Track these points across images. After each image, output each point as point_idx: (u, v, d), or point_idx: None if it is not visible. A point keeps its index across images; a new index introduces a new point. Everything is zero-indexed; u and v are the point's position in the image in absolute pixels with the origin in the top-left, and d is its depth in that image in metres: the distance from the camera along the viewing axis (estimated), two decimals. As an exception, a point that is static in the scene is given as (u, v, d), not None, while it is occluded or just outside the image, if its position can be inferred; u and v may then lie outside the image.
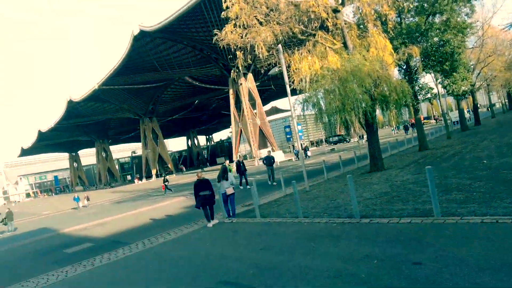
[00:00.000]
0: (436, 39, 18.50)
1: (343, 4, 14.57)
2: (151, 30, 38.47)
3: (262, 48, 13.30)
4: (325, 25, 14.60)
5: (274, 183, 17.03)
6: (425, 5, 17.59)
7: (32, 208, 45.65)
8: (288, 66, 14.01)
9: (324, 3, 13.89)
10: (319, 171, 18.00)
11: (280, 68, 13.88)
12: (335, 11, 14.31)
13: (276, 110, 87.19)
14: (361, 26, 16.12)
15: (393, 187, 10.11)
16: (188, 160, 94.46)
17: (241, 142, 54.34)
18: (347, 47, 14.22)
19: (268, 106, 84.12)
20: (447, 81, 21.92)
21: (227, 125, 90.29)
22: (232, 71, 28.30)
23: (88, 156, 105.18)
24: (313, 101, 13.19)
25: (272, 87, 45.82)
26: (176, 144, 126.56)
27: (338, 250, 5.51)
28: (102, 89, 51.16)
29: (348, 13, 16.99)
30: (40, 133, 74.14)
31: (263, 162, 18.63)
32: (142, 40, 40.59)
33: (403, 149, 23.54)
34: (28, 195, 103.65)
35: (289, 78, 13.49)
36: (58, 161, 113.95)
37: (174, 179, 50.43)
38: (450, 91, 22.96)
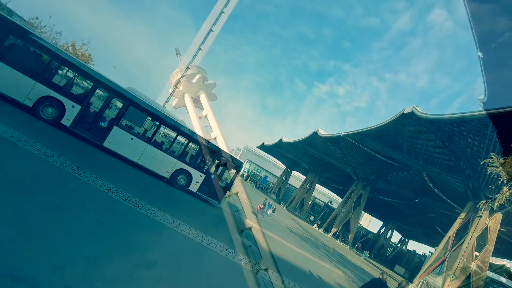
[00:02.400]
0: None
1: None
2: (421, 116, 37.81)
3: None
4: None
5: None
6: None
7: (238, 186, 55.50)
8: None
9: None
10: None
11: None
12: None
13: (506, 273, 66.96)
14: None
15: None
16: (368, 244, 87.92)
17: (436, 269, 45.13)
18: None
19: (498, 261, 65.76)
20: None
21: (432, 242, 77.48)
22: (484, 201, 23.71)
23: (295, 178, 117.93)
24: None
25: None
26: (368, 221, 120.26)
27: None
28: (345, 139, 55.32)
29: None
30: (280, 140, 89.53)
31: None
32: (407, 120, 40.61)
33: None
34: (242, 175, 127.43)
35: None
36: (274, 166, 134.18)
37: (343, 248, 48.43)
38: None
